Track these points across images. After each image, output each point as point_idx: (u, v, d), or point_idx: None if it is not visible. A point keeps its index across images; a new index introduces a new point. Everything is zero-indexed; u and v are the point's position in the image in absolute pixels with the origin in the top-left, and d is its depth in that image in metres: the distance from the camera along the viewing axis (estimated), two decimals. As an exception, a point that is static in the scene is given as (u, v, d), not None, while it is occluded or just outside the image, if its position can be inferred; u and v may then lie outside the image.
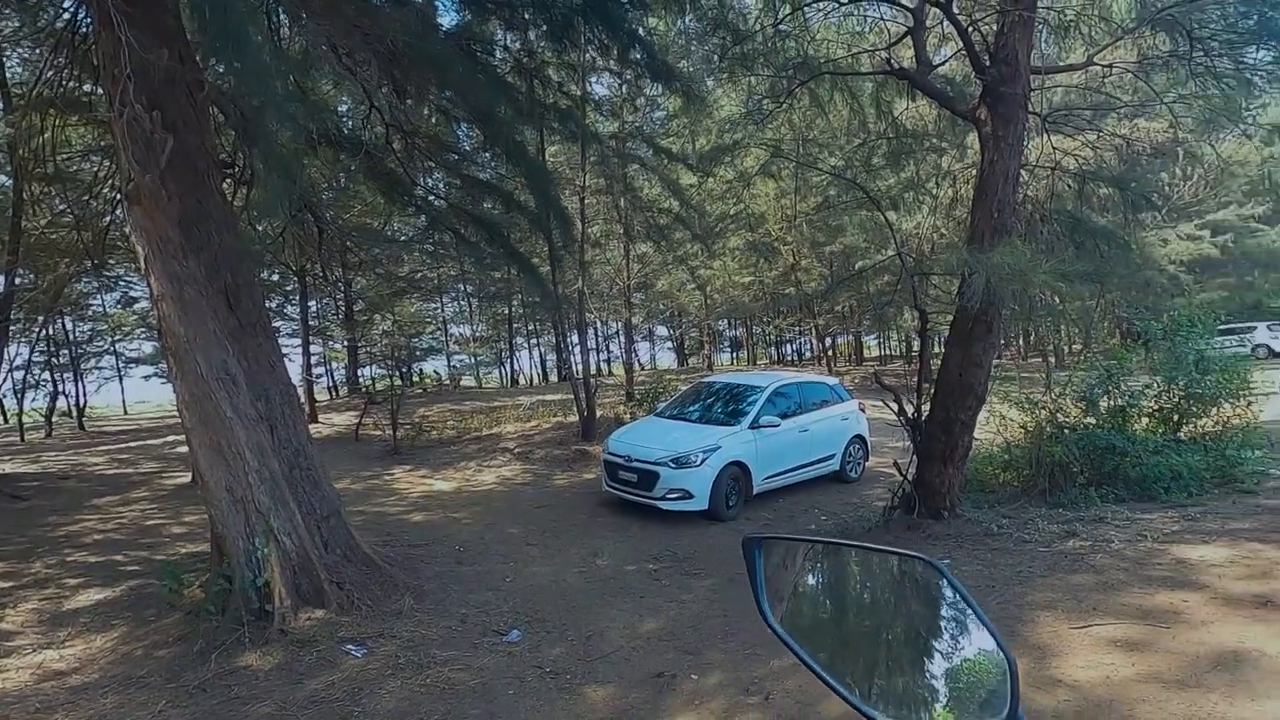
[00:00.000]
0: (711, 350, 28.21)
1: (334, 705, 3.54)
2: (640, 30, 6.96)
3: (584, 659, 4.12)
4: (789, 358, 31.84)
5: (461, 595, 5.26)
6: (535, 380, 28.21)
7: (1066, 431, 7.08)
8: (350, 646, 4.26)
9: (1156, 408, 7.67)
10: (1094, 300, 14.37)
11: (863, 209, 12.38)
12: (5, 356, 10.59)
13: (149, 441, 13.50)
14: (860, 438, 9.20)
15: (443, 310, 23.96)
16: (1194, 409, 7.60)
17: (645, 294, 21.22)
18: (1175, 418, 7.63)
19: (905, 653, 0.83)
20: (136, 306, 18.40)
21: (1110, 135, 7.64)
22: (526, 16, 6.90)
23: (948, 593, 0.77)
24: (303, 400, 11.09)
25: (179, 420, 4.90)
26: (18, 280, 10.33)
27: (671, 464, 7.26)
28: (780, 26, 7.01)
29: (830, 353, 25.16)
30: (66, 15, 6.32)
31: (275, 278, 16.20)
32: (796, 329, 28.48)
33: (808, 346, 30.40)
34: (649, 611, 4.89)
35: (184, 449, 8.41)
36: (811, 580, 0.95)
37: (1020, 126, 5.67)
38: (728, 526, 7.10)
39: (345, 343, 19.62)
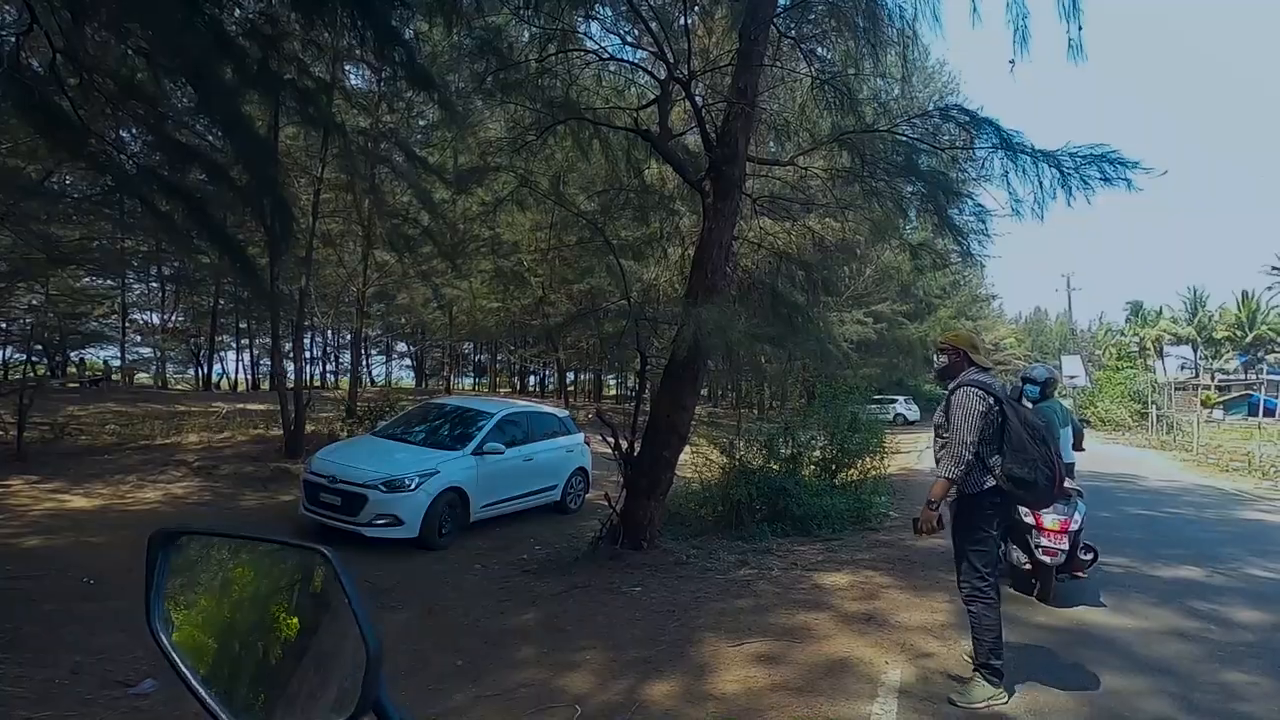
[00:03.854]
0: (453, 373, 27.32)
1: None
2: (405, 30, 6.61)
3: (234, 708, 3.55)
4: (532, 388, 32.15)
5: (80, 639, 4.24)
6: (242, 386, 24.59)
7: (752, 474, 8.12)
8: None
9: (821, 457, 9.20)
10: (787, 364, 16.91)
11: (609, 254, 13.10)
12: None
13: None
14: (583, 470, 9.52)
15: (124, 291, 19.68)
16: (845, 460, 9.29)
17: (384, 305, 19.86)
18: (833, 467, 9.23)
19: (289, 652, 0.79)
20: None
21: (805, 227, 9.11)
22: (271, -23, 6.17)
23: (341, 585, 0.75)
24: None
25: None
26: None
27: (382, 487, 6.76)
28: (545, 64, 7.24)
29: (571, 387, 25.97)
30: None
31: None
32: (540, 361, 28.93)
33: (551, 379, 31.04)
34: (329, 648, 4.41)
35: None
36: (222, 582, 0.88)
37: (735, 203, 6.51)
38: (436, 556, 6.79)
39: (-41, 315, 15.10)
